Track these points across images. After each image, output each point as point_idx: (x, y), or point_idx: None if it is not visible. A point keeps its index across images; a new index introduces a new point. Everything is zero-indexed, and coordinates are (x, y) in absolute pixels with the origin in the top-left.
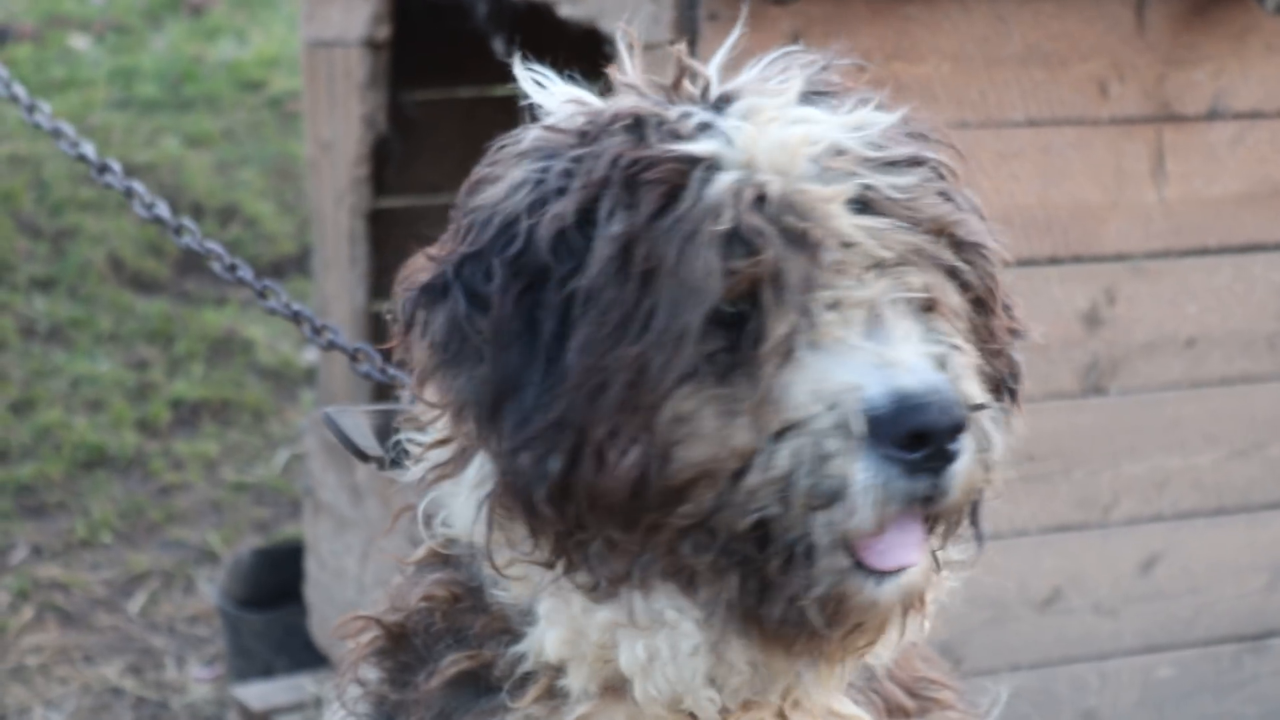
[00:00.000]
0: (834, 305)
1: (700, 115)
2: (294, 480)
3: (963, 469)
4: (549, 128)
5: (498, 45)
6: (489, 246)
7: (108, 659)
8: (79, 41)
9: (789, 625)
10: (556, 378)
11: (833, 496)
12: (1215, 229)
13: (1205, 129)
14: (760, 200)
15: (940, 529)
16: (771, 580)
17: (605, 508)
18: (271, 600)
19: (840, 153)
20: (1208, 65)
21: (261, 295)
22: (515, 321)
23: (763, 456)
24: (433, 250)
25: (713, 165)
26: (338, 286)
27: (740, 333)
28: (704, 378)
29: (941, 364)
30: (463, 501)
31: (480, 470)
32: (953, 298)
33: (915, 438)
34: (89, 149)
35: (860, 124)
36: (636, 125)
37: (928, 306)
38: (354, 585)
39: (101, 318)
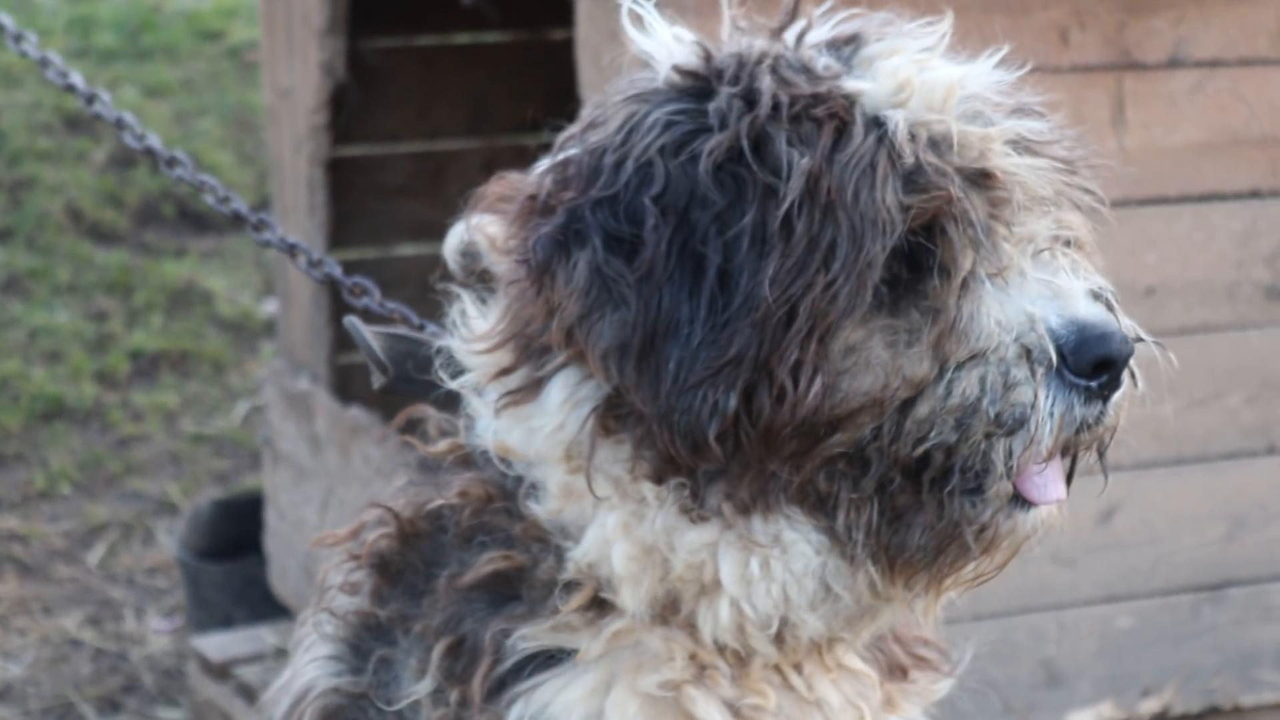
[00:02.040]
0: (1010, 240)
1: (836, 57)
2: (253, 432)
3: (1121, 399)
4: (677, 69)
5: None
6: (625, 188)
7: (66, 610)
8: None
9: (924, 553)
10: (729, 313)
11: (1018, 423)
12: (1175, 178)
13: (1166, 77)
14: (935, 139)
15: (1072, 465)
16: (923, 508)
17: (774, 440)
18: (231, 551)
19: (983, 98)
20: (1168, 13)
21: (256, 228)
22: (670, 261)
23: (941, 385)
24: (521, 191)
25: (872, 104)
26: (296, 234)
27: (913, 265)
28: (873, 308)
29: (1098, 297)
30: (547, 421)
31: (572, 392)
32: (1088, 235)
33: (1098, 365)
34: (78, 79)
35: (989, 73)
36: (783, 65)
37: (1073, 243)
38: (313, 535)
39: (60, 268)
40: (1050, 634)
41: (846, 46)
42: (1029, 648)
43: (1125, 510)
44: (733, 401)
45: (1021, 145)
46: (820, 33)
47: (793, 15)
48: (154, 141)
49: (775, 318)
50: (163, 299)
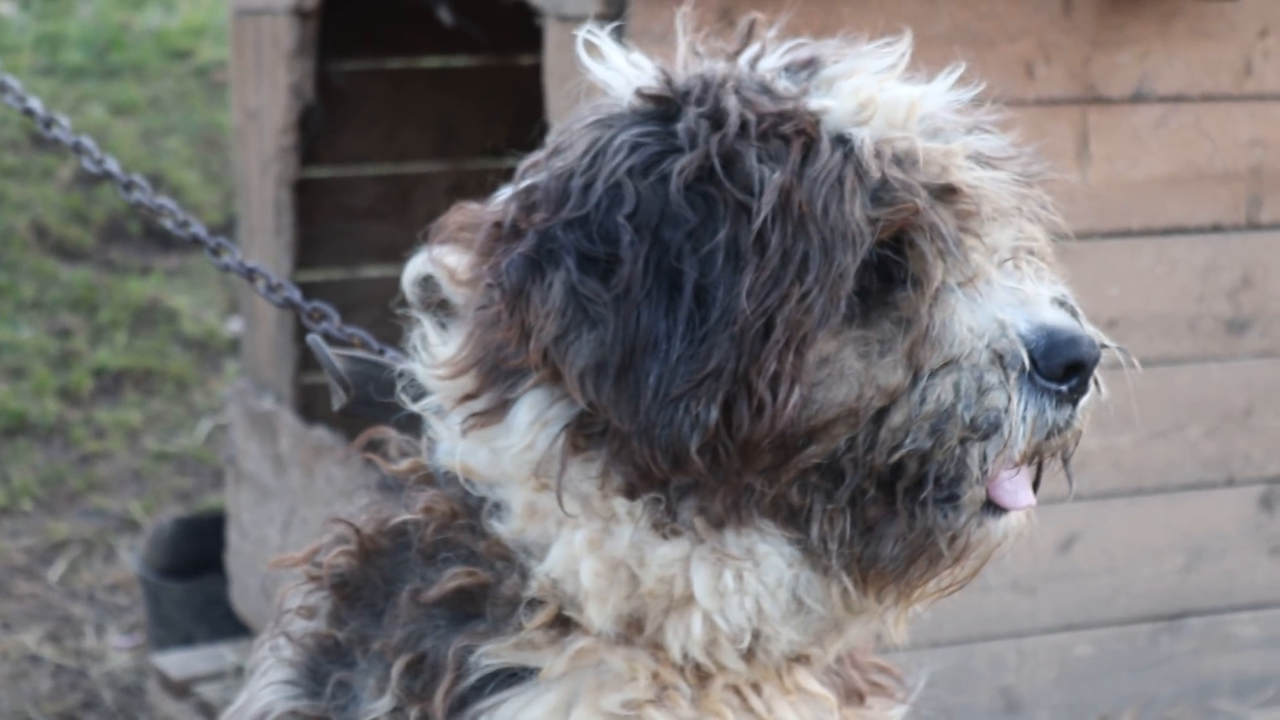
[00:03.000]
0: (979, 250)
1: (794, 79)
2: (216, 450)
3: (1089, 404)
4: (640, 93)
5: (443, 14)
6: (596, 209)
7: (26, 626)
8: (4, 7)
9: (897, 563)
10: (706, 328)
11: (993, 427)
12: (1138, 211)
13: (1130, 111)
14: (899, 155)
15: (1038, 472)
16: (896, 517)
17: (753, 452)
18: (192, 569)
19: (942, 116)
20: (1133, 48)
21: (214, 252)
22: (647, 278)
23: (915, 392)
24: (485, 219)
25: (836, 122)
26: (263, 255)
27: (882, 277)
28: (844, 320)
29: (1063, 304)
30: (514, 441)
31: (541, 413)
32: (1047, 246)
33: (1069, 369)
34: (36, 103)
35: (946, 92)
36: (745, 86)
37: (1035, 253)
38: (275, 555)
39: (24, 285)
40: (1009, 662)
41: (804, 70)
42: (988, 675)
43: (1085, 540)
44: (714, 414)
45: (981, 160)
46: (775, 58)
47: (748, 40)
48: (112, 165)
49: (753, 330)
50: (127, 316)
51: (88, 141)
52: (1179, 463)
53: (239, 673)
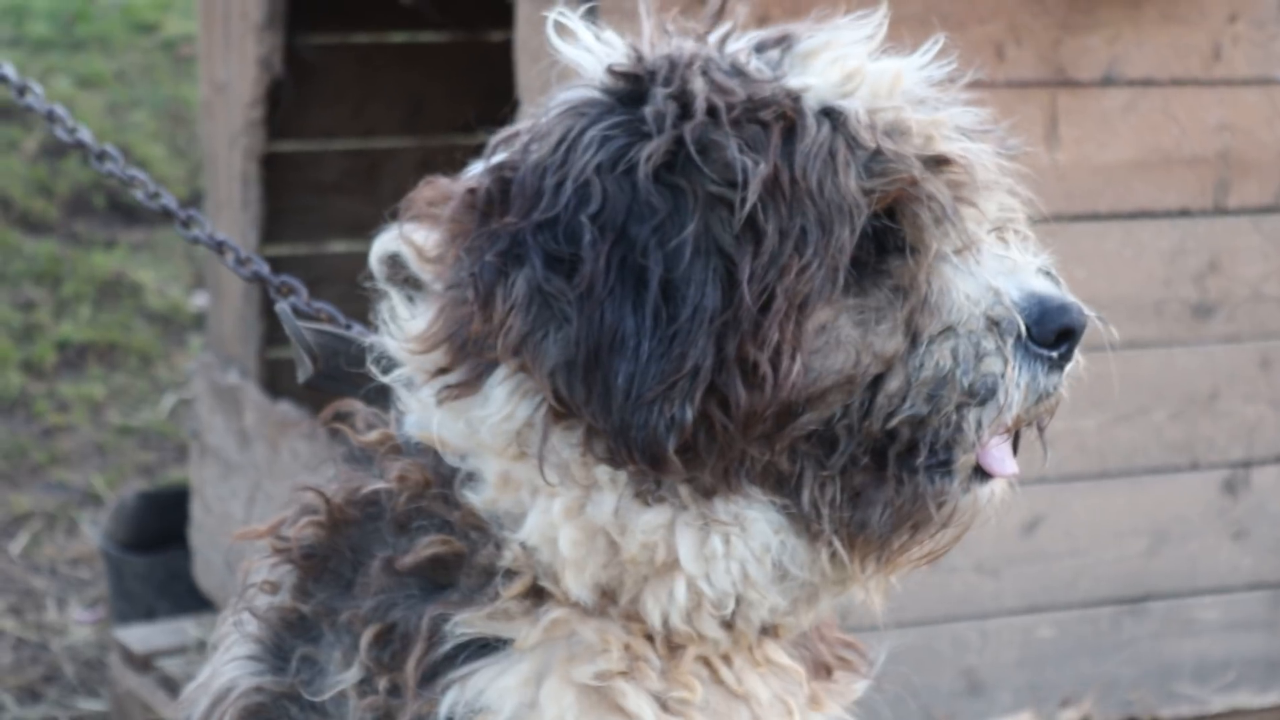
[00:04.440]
0: (971, 219)
1: (767, 58)
2: (180, 425)
3: (1073, 370)
4: (611, 70)
5: None
6: (565, 209)
7: None
8: None
9: (885, 528)
10: (676, 325)
11: (990, 392)
12: (1106, 195)
13: (1099, 95)
14: (888, 125)
15: (1015, 441)
16: (886, 483)
17: (754, 424)
18: (155, 544)
19: (923, 87)
20: (1103, 31)
21: (185, 225)
22: (610, 276)
23: (913, 359)
24: (457, 193)
25: (820, 97)
26: (229, 229)
27: (877, 247)
28: (840, 290)
29: (1047, 273)
30: (492, 411)
31: (520, 382)
32: (1026, 218)
33: (1060, 335)
34: (9, 69)
35: (921, 66)
36: (714, 67)
37: (1016, 223)
38: (239, 530)
39: None
40: (972, 643)
41: (776, 47)
42: (951, 656)
43: (1049, 522)
44: (689, 413)
45: (965, 131)
46: (746, 38)
47: (719, 18)
48: (85, 135)
49: (754, 307)
50: (91, 290)
51: (60, 110)
52: (1144, 446)
53: (201, 647)
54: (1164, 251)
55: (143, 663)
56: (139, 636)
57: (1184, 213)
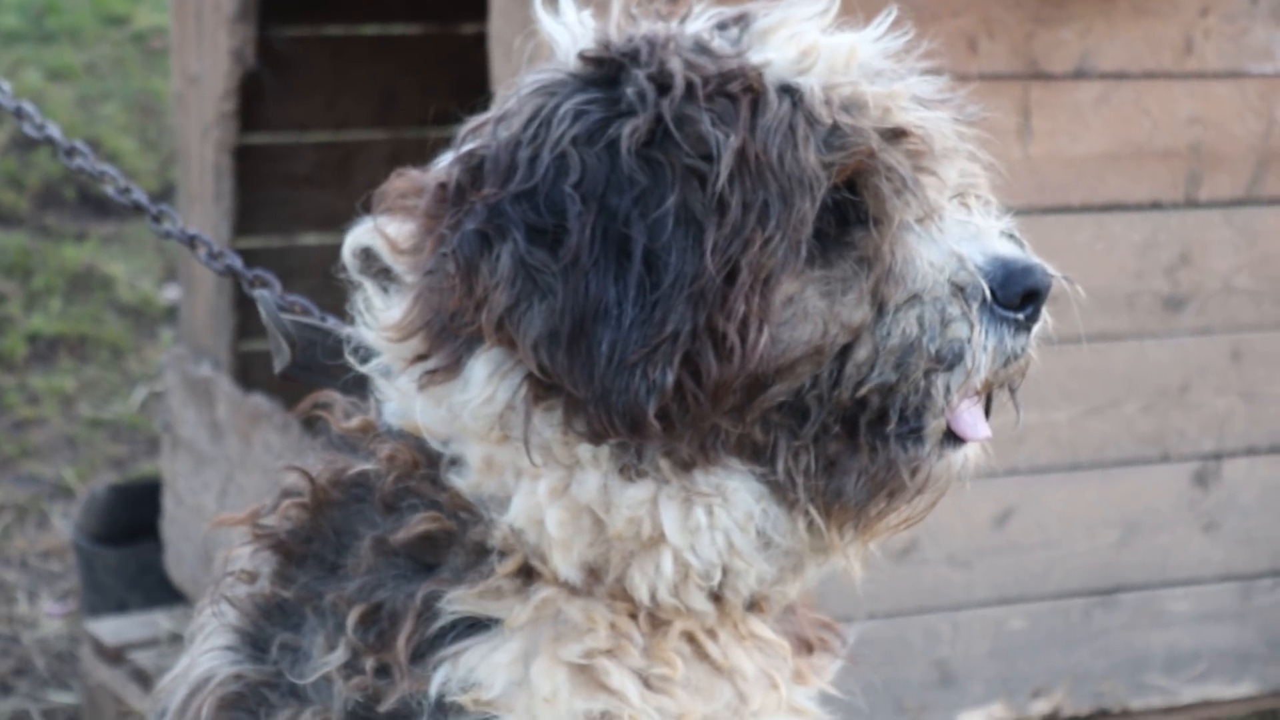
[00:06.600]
0: (931, 187)
1: (729, 34)
2: (151, 417)
3: (1040, 331)
4: (583, 56)
5: None
6: (544, 180)
7: None
8: None
9: (860, 495)
10: (659, 293)
11: (957, 357)
12: (1078, 188)
13: (1071, 88)
14: (845, 100)
15: (988, 404)
16: (859, 451)
17: (724, 395)
18: (126, 537)
19: (878, 60)
20: (1076, 24)
21: (156, 219)
22: (595, 246)
23: (880, 328)
24: (428, 185)
25: (778, 73)
26: (202, 221)
27: (839, 219)
28: (805, 263)
29: (1011, 236)
30: (473, 395)
31: (499, 365)
32: (986, 184)
33: (1025, 297)
34: None
35: (876, 38)
36: (685, 47)
37: (976, 189)
38: (211, 522)
39: None
40: (944, 635)
41: (735, 25)
42: (922, 648)
43: (1020, 514)
44: (670, 377)
45: (921, 101)
46: (704, 19)
47: (680, 2)
48: (54, 131)
49: (719, 279)
50: (62, 283)
51: (29, 106)
52: (1115, 438)
53: (173, 639)
54: (1135, 244)
55: (114, 655)
56: (110, 629)
57: (1155, 205)
